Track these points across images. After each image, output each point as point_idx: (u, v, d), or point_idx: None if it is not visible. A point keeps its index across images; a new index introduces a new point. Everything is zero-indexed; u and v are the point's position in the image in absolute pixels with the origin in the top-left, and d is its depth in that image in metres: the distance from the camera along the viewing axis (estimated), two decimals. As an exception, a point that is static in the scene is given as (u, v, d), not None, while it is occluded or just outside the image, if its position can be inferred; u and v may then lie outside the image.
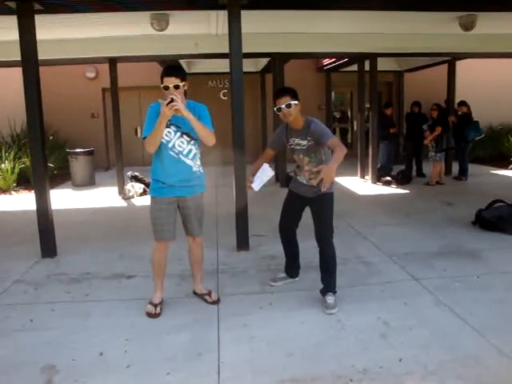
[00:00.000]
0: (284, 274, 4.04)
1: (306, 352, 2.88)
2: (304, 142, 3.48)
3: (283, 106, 3.37)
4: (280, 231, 3.90)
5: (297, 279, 4.03)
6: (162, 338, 3.11)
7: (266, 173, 3.53)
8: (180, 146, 3.30)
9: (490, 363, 2.70)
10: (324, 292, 3.58)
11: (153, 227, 3.41)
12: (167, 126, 3.24)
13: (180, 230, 3.52)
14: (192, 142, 3.33)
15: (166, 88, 3.18)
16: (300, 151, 3.54)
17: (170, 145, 3.28)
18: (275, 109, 3.44)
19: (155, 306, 3.44)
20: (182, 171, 3.32)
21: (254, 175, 3.57)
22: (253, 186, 3.54)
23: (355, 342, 2.98)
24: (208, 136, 3.27)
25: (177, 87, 3.18)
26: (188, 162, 3.34)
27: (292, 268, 4.02)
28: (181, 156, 3.31)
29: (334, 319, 3.30)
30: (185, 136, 3.30)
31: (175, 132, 3.28)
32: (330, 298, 3.51)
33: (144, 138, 3.25)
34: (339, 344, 2.97)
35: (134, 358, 2.86)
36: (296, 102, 3.41)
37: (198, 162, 3.44)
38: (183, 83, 3.22)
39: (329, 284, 3.58)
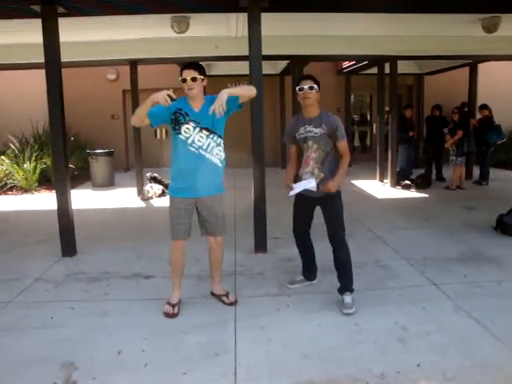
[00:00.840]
0: (302, 277, 4.04)
1: (323, 355, 2.87)
2: (317, 130, 3.49)
3: (306, 86, 3.46)
4: (295, 236, 3.90)
5: (314, 282, 4.02)
6: (180, 337, 3.13)
7: (309, 184, 3.52)
8: (199, 141, 3.31)
9: (511, 371, 2.65)
10: (341, 291, 3.61)
11: (171, 226, 3.45)
12: (186, 122, 3.27)
13: (197, 231, 3.54)
14: (211, 135, 3.33)
15: (184, 81, 3.21)
16: (311, 138, 3.52)
17: (190, 141, 3.30)
18: (297, 88, 3.51)
19: (173, 306, 3.47)
20: (201, 166, 3.31)
21: (293, 182, 3.63)
22: (292, 192, 3.58)
23: (372, 346, 2.95)
24: (249, 91, 3.36)
25: (194, 79, 3.20)
26: (207, 156, 3.33)
27: (309, 271, 4.01)
28: (201, 151, 3.31)
29: (351, 322, 3.28)
30: (204, 131, 3.31)
31: (194, 128, 3.29)
32: (347, 298, 3.54)
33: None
34: (356, 347, 2.95)
35: (152, 357, 2.89)
36: (317, 88, 3.50)
37: (220, 154, 3.40)
38: (201, 77, 3.25)
39: (345, 283, 3.61)
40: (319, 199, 3.59)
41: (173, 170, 3.43)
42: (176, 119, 3.28)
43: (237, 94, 3.25)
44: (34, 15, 4.64)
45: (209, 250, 3.64)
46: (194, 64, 3.33)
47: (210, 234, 3.52)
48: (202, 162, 3.32)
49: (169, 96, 3.05)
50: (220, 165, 3.42)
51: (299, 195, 3.68)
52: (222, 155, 3.43)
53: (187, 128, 3.29)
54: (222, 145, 3.42)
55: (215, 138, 3.35)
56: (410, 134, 9.44)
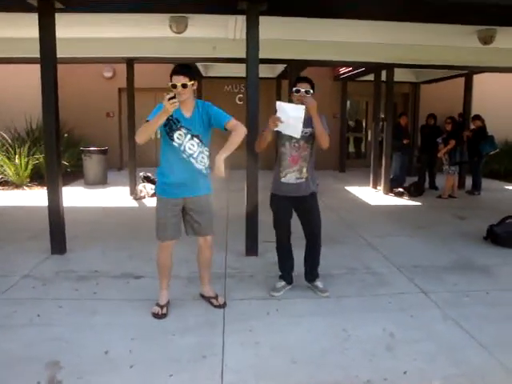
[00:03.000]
0: (284, 283, 3.99)
1: (311, 360, 2.86)
2: (307, 129, 3.56)
3: (303, 89, 3.51)
4: (279, 241, 3.90)
5: (293, 284, 4.02)
6: (167, 339, 3.11)
7: (295, 111, 3.40)
8: (190, 149, 3.30)
9: (497, 380, 2.67)
10: (312, 279, 3.91)
11: (156, 226, 3.42)
12: (178, 129, 3.25)
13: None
14: (201, 144, 3.34)
15: (174, 86, 3.17)
16: (302, 138, 3.56)
17: (182, 148, 3.29)
18: (294, 89, 3.54)
19: (161, 307, 3.45)
20: (189, 173, 3.33)
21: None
22: (286, 131, 3.50)
23: (360, 353, 2.95)
24: (241, 138, 3.30)
25: (184, 86, 3.16)
26: (197, 164, 3.34)
27: (289, 275, 4.00)
28: (191, 159, 3.32)
29: (339, 328, 3.27)
30: (195, 138, 3.30)
31: (185, 134, 3.28)
32: (319, 283, 3.88)
33: (147, 121, 3.19)
34: (344, 353, 2.94)
35: (139, 357, 2.87)
36: (313, 92, 3.56)
37: (205, 161, 3.40)
38: (191, 82, 3.19)
39: (315, 271, 3.91)
40: (303, 198, 3.65)
41: (161, 171, 3.41)
42: (169, 125, 3.24)
43: (231, 151, 3.22)
44: (30, 10, 4.61)
45: (198, 251, 3.62)
46: (183, 69, 3.22)
47: (199, 234, 3.50)
48: (190, 169, 3.33)
49: (171, 100, 2.97)
50: (205, 172, 3.43)
51: (281, 196, 3.69)
52: (207, 162, 3.43)
53: (179, 134, 3.28)
54: (207, 152, 3.41)
55: (203, 147, 3.36)
56: (403, 142, 9.48)
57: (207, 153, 3.42)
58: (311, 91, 3.53)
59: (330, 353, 2.95)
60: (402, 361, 2.86)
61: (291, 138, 3.58)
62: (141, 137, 3.18)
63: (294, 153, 3.61)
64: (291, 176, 3.63)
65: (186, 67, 3.27)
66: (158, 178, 3.45)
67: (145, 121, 3.20)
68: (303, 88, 3.52)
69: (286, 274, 3.99)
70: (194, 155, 3.32)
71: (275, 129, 3.50)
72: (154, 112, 3.19)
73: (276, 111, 3.48)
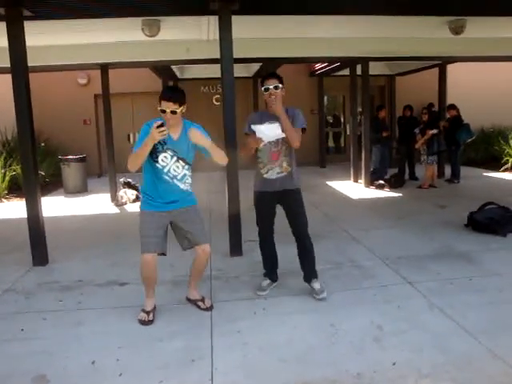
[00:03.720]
0: (268, 281, 3.98)
1: (299, 357, 2.86)
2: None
3: (271, 86, 3.49)
4: (262, 238, 3.90)
5: (276, 283, 4.01)
6: (155, 345, 3.08)
7: (273, 130, 3.43)
8: (175, 171, 3.27)
9: (484, 366, 2.70)
10: (309, 279, 3.77)
11: (141, 240, 3.33)
12: (164, 151, 3.21)
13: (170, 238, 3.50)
14: (186, 166, 3.32)
15: (163, 112, 3.11)
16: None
17: (166, 169, 3.25)
18: (263, 88, 3.53)
19: (147, 313, 3.42)
20: (173, 193, 3.31)
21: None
22: (262, 132, 3.46)
23: (349, 347, 2.97)
24: (222, 158, 3.37)
25: (174, 113, 3.12)
26: (181, 185, 3.32)
27: (273, 272, 4.00)
28: (175, 180, 3.29)
29: (327, 323, 3.29)
30: (181, 161, 3.27)
31: (171, 157, 3.24)
32: (317, 284, 3.75)
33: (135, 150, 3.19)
34: (332, 348, 2.95)
35: (127, 366, 2.83)
36: (282, 86, 3.53)
37: (189, 181, 3.40)
38: (181, 108, 3.15)
39: (312, 270, 3.79)
40: (288, 192, 3.66)
41: (144, 188, 3.38)
42: (153, 147, 3.14)
43: (211, 152, 3.23)
44: (-1, 18, 4.53)
45: (194, 260, 3.54)
46: (173, 95, 3.16)
47: (196, 243, 3.43)
48: (175, 189, 3.31)
49: (160, 129, 2.95)
50: (190, 190, 3.42)
51: (264, 192, 3.70)
52: (190, 181, 3.42)
53: (165, 157, 3.23)
54: (190, 172, 3.39)
55: (188, 169, 3.34)
56: (383, 135, 9.56)
57: (190, 172, 3.39)
58: (280, 85, 3.51)
59: (318, 349, 2.95)
60: (391, 352, 2.88)
61: None
62: (132, 166, 3.16)
63: (273, 148, 3.62)
64: (273, 172, 3.64)
65: (175, 92, 3.22)
66: (143, 196, 3.40)
67: (132, 150, 3.18)
68: (271, 84, 3.50)
69: (271, 272, 3.99)
70: (178, 177, 3.30)
71: (261, 146, 3.56)
72: (141, 137, 3.15)
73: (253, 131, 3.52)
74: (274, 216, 3.81)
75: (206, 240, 3.48)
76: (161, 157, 3.22)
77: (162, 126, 2.98)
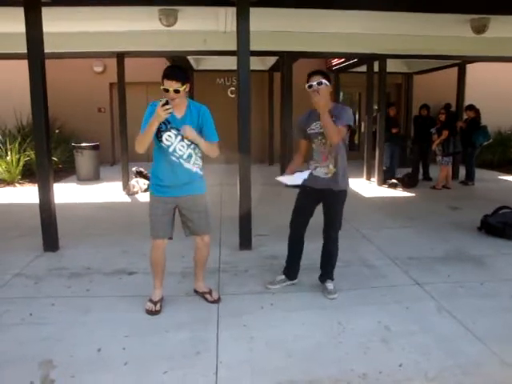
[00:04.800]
0: (283, 277, 3.95)
1: (305, 354, 2.85)
2: None
3: (314, 82, 3.45)
4: (292, 230, 3.86)
5: (295, 281, 3.97)
6: (161, 335, 3.09)
7: (303, 174, 3.62)
8: (180, 150, 3.26)
9: (491, 371, 2.66)
10: (324, 279, 3.79)
11: (150, 224, 3.38)
12: (168, 130, 3.20)
13: (181, 229, 3.50)
14: (192, 145, 3.29)
15: (166, 91, 3.10)
16: (323, 134, 3.53)
17: (171, 149, 3.25)
18: (307, 85, 3.49)
19: (155, 303, 3.42)
20: (181, 175, 3.29)
21: (292, 171, 3.71)
22: (285, 180, 3.65)
23: (355, 346, 2.94)
24: (212, 152, 3.29)
25: (177, 91, 3.09)
26: (188, 166, 3.31)
27: (293, 270, 3.95)
28: (181, 160, 3.28)
29: (334, 322, 3.26)
30: (185, 140, 3.25)
31: (176, 136, 3.23)
32: (330, 285, 3.75)
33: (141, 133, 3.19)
34: (339, 347, 2.93)
35: (132, 355, 2.84)
36: (327, 82, 3.48)
37: (198, 163, 3.38)
38: (184, 87, 3.12)
39: (329, 271, 3.80)
40: (329, 193, 3.61)
41: (153, 170, 3.38)
42: (159, 126, 3.15)
43: (200, 145, 3.21)
44: (16, 4, 4.52)
45: (194, 249, 3.57)
46: (175, 73, 3.12)
47: (195, 233, 3.45)
48: (182, 170, 3.29)
49: (164, 106, 2.96)
50: (200, 172, 3.40)
51: (308, 188, 3.67)
52: (201, 163, 3.40)
53: (169, 135, 3.22)
54: (200, 154, 3.38)
55: (194, 148, 3.31)
56: (392, 131, 9.47)
57: (199, 154, 3.37)
58: (323, 81, 3.45)
59: (324, 346, 2.94)
60: (398, 353, 2.85)
61: (317, 135, 3.59)
62: (139, 147, 3.18)
63: (322, 149, 3.62)
64: (321, 170, 3.63)
65: (178, 71, 3.18)
66: (151, 178, 3.41)
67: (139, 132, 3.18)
68: (315, 81, 3.46)
69: (289, 268, 3.94)
70: (184, 156, 3.28)
71: (277, 178, 3.76)
72: (146, 118, 3.16)
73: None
74: (309, 213, 3.75)
75: (207, 231, 3.47)
76: (165, 136, 3.21)
77: (167, 103, 2.98)
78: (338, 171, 3.58)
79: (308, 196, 3.70)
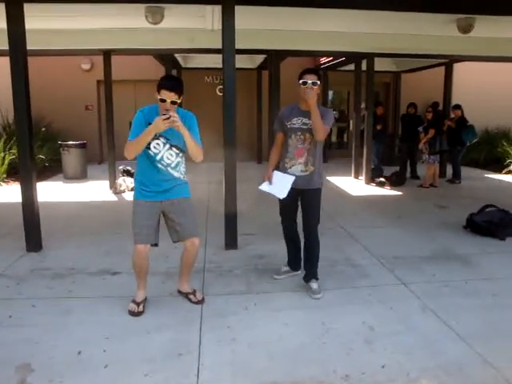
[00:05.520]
0: (287, 268, 4.10)
1: (288, 355, 2.83)
2: (310, 122, 3.56)
3: (310, 81, 3.51)
4: (284, 228, 3.99)
5: (299, 272, 4.04)
6: (143, 337, 3.05)
7: (285, 181, 3.68)
8: (169, 159, 3.24)
9: (474, 372, 2.66)
10: (309, 279, 3.78)
11: (133, 230, 3.32)
12: (156, 138, 3.16)
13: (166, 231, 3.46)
14: (180, 154, 3.28)
15: (163, 101, 3.07)
16: (305, 130, 3.61)
17: (159, 157, 3.22)
18: (301, 81, 3.54)
19: (138, 304, 3.38)
20: (168, 182, 3.27)
21: (272, 170, 3.81)
22: (268, 189, 3.77)
23: (338, 347, 2.93)
24: (197, 154, 3.23)
25: (174, 103, 3.09)
26: (175, 174, 3.29)
27: (295, 261, 4.07)
28: (169, 169, 3.26)
29: (318, 322, 3.25)
30: (174, 148, 3.23)
31: (164, 144, 3.20)
32: (314, 285, 3.74)
33: (130, 140, 3.15)
34: (322, 348, 2.92)
35: (113, 357, 2.80)
36: (319, 83, 3.57)
37: (184, 170, 3.39)
38: (181, 98, 3.14)
39: (313, 271, 3.80)
40: (305, 191, 3.68)
41: (138, 176, 3.34)
42: None
43: (188, 141, 3.14)
44: (-2, 0, 4.45)
45: (183, 251, 3.50)
46: (174, 85, 3.11)
47: (183, 237, 3.39)
48: (168, 178, 3.27)
49: (166, 120, 2.95)
50: (184, 179, 3.40)
51: None
52: (185, 170, 3.40)
53: (157, 144, 3.19)
54: (184, 160, 3.38)
55: (182, 156, 3.31)
56: (377, 128, 9.51)
57: (184, 161, 3.37)
58: (318, 82, 3.55)
59: (307, 347, 2.92)
60: (381, 354, 2.84)
61: (297, 130, 3.65)
62: (130, 154, 3.15)
63: (299, 145, 3.66)
64: (296, 168, 3.68)
65: (176, 82, 3.18)
66: (136, 184, 3.36)
67: (128, 141, 3.15)
68: (310, 80, 3.52)
69: (292, 260, 4.09)
70: (172, 165, 3.27)
71: (260, 187, 3.84)
72: (136, 124, 3.14)
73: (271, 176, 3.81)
74: (294, 209, 3.85)
75: (196, 233, 3.42)
76: (153, 144, 3.18)
77: (169, 118, 2.98)
78: (315, 169, 3.66)
79: (289, 194, 3.72)
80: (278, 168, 3.85)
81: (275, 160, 3.87)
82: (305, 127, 3.61)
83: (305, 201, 3.74)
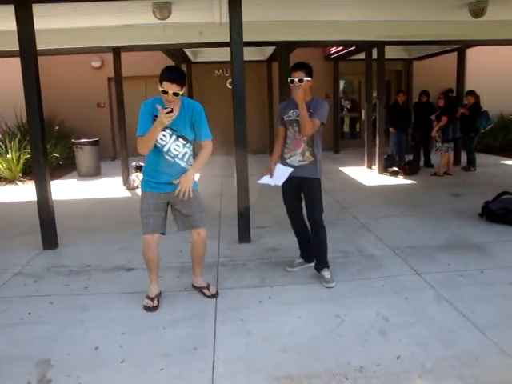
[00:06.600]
0: (301, 260, 4.13)
1: (302, 348, 2.83)
2: None
3: (296, 79, 3.58)
4: (290, 219, 4.02)
5: (312, 264, 4.02)
6: (158, 332, 3.08)
7: (282, 173, 3.76)
8: (176, 150, 3.25)
9: (490, 362, 2.63)
10: (320, 268, 3.83)
11: (141, 220, 3.37)
12: (162, 130, 3.17)
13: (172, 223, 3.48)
14: (187, 144, 3.29)
15: (165, 92, 3.07)
16: (298, 122, 3.64)
17: (166, 149, 3.23)
18: (289, 80, 3.62)
19: (152, 299, 3.41)
20: (175, 173, 3.28)
21: (274, 163, 3.86)
22: (267, 181, 3.84)
23: (353, 339, 2.92)
24: (207, 156, 3.35)
25: (176, 94, 3.08)
26: (183, 164, 3.30)
27: (306, 253, 4.09)
28: (176, 159, 3.27)
29: (332, 314, 3.25)
30: (180, 139, 3.24)
31: (170, 135, 3.22)
32: (326, 273, 3.77)
33: (138, 134, 3.17)
34: (336, 340, 2.92)
35: (129, 352, 2.84)
36: (309, 78, 3.62)
37: (192, 160, 3.39)
38: (183, 90, 3.14)
39: (323, 259, 3.83)
40: (304, 180, 3.73)
41: (146, 168, 3.38)
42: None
43: (200, 170, 3.30)
44: (7, 2, 4.48)
45: (191, 244, 3.54)
46: (176, 76, 3.09)
47: (189, 227, 3.42)
48: (176, 169, 3.28)
49: (168, 114, 2.98)
50: None
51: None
52: (192, 160, 3.41)
53: (163, 135, 3.20)
54: (192, 150, 3.39)
55: (189, 146, 3.32)
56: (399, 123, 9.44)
57: (192, 152, 3.39)
58: (305, 78, 3.58)
59: (321, 340, 2.92)
60: (395, 345, 2.83)
61: (293, 122, 3.71)
62: (143, 150, 3.20)
63: (297, 136, 3.72)
64: (295, 158, 3.75)
65: (178, 73, 3.17)
66: (144, 176, 3.39)
67: (136, 135, 3.18)
68: (296, 77, 3.57)
69: (303, 251, 4.12)
70: (180, 156, 3.28)
71: (258, 181, 3.93)
72: (142, 118, 3.16)
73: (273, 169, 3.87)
74: (297, 199, 3.90)
75: (202, 224, 3.43)
76: (160, 135, 3.19)
77: (171, 111, 3.00)
78: (313, 160, 3.70)
79: (289, 184, 3.79)
80: (281, 160, 3.90)
81: (278, 153, 3.90)
82: (299, 118, 3.63)
83: (306, 191, 3.77)
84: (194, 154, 3.41)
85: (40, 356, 2.81)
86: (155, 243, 3.38)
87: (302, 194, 3.83)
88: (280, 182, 3.76)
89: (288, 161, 3.78)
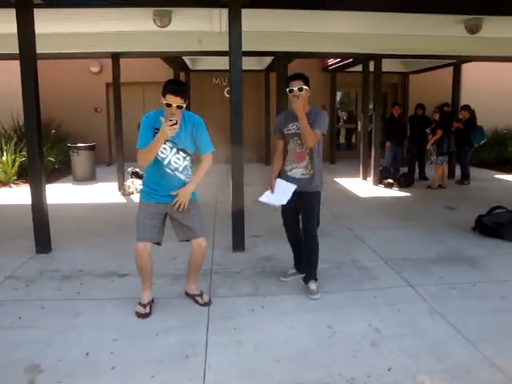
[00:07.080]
0: (294, 270, 4.11)
1: (294, 358, 2.83)
2: None
3: (295, 88, 3.56)
4: (286, 231, 4.01)
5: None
6: (150, 339, 3.07)
7: (287, 190, 3.71)
8: (176, 163, 3.27)
9: (481, 375, 2.64)
10: (308, 279, 3.81)
11: (136, 227, 3.37)
12: (163, 143, 3.18)
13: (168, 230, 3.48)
14: (188, 157, 3.31)
15: (169, 105, 3.09)
16: (300, 135, 3.63)
17: (166, 162, 3.25)
18: (287, 90, 3.60)
19: (144, 305, 3.40)
20: (175, 185, 3.30)
21: (275, 177, 3.84)
22: (268, 200, 3.81)
23: (344, 349, 2.93)
24: (208, 169, 3.39)
25: (180, 107, 3.11)
26: (182, 177, 3.32)
27: (300, 263, 4.06)
28: (176, 172, 3.29)
29: (324, 325, 3.25)
30: (181, 152, 3.26)
31: (171, 148, 3.23)
32: (313, 285, 3.76)
33: (139, 147, 3.19)
34: (328, 351, 2.92)
35: (120, 359, 2.83)
36: (307, 87, 3.60)
37: (191, 173, 3.41)
38: (186, 103, 3.16)
39: (312, 271, 3.81)
40: (305, 193, 3.71)
41: (146, 180, 3.40)
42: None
43: (199, 184, 3.34)
44: (8, 6, 4.50)
45: (191, 254, 3.52)
46: (181, 90, 3.14)
47: (189, 237, 3.42)
48: (176, 182, 3.31)
49: (172, 126, 3.01)
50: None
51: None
52: (191, 173, 3.43)
53: (164, 148, 3.21)
54: (191, 163, 3.41)
55: (189, 159, 3.35)
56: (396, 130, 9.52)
57: (191, 163, 3.40)
58: (304, 87, 3.57)
59: (313, 350, 2.92)
60: (387, 357, 2.83)
61: (294, 135, 3.69)
62: (144, 163, 3.22)
63: (298, 149, 3.71)
64: (297, 171, 3.73)
65: (181, 87, 3.23)
66: (144, 187, 3.41)
67: (136, 147, 3.20)
68: (296, 86, 3.56)
69: (297, 263, 4.11)
70: (180, 169, 3.29)
71: (260, 199, 3.88)
72: (143, 131, 3.19)
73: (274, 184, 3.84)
74: (295, 213, 3.88)
75: (202, 234, 3.44)
76: (160, 148, 3.19)
77: (176, 123, 3.02)
78: (314, 173, 3.69)
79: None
80: (279, 175, 3.88)
81: (278, 167, 3.89)
82: (299, 132, 3.62)
83: (305, 203, 3.74)
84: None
85: (30, 361, 2.79)
86: (147, 252, 3.35)
87: (300, 205, 3.80)
88: (284, 201, 3.70)
89: (289, 173, 3.76)
